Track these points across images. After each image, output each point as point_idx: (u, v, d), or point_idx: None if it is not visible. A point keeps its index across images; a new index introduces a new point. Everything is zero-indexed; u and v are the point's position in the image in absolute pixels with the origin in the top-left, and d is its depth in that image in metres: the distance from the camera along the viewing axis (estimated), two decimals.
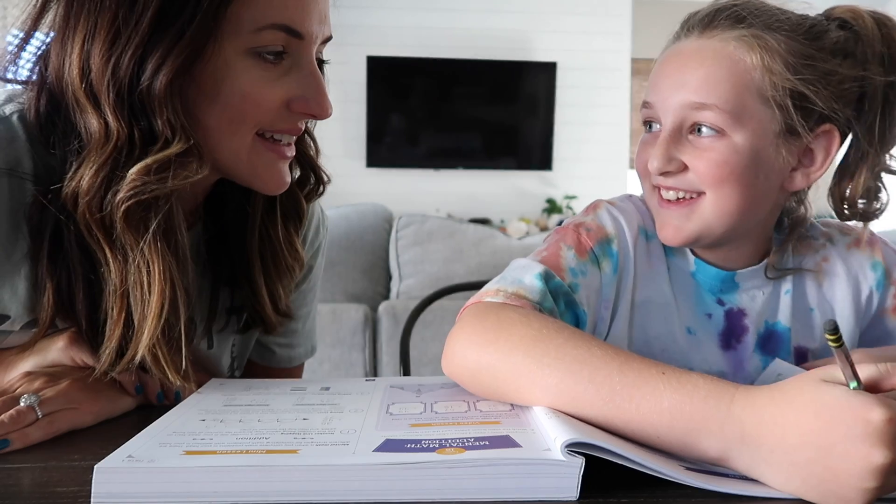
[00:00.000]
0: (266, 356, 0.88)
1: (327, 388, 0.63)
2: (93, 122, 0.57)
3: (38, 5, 0.60)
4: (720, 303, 0.74)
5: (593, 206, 0.76)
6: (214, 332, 0.77)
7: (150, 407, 0.66)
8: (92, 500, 0.40)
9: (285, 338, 0.88)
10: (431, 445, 0.45)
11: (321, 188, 0.79)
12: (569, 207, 4.77)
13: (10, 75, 0.64)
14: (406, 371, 1.20)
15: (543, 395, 0.52)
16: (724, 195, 0.67)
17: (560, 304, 0.66)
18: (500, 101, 4.87)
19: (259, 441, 0.46)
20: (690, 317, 0.74)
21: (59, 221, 0.59)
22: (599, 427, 0.49)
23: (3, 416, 0.53)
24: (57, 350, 0.64)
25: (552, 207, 4.82)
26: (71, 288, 0.61)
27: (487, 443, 0.45)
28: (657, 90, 0.70)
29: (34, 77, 0.62)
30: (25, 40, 0.61)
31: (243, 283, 0.74)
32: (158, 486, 0.41)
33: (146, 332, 0.59)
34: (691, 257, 0.74)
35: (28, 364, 0.64)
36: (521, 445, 0.44)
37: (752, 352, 0.74)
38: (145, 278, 0.58)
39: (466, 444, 0.45)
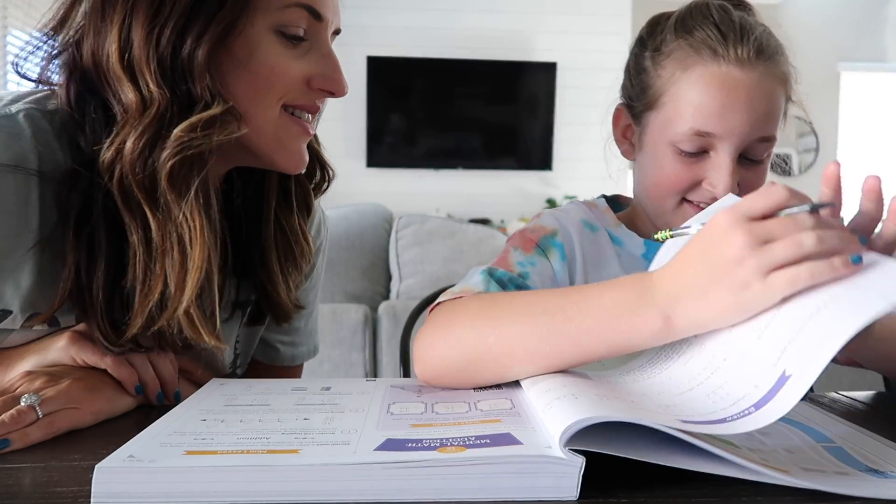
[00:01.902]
0: (270, 354, 0.90)
1: (328, 388, 0.63)
2: (129, 94, 0.60)
3: (68, 4, 0.64)
4: None
5: (536, 216, 0.84)
6: (220, 322, 0.77)
7: (150, 407, 0.66)
8: (92, 500, 0.40)
9: (289, 335, 0.90)
10: (432, 444, 0.45)
11: (327, 182, 0.83)
12: None
13: (31, 74, 0.67)
14: (406, 371, 1.20)
15: (510, 340, 0.57)
16: None
17: (510, 289, 0.71)
18: (500, 101, 4.87)
19: (260, 441, 0.46)
20: None
21: (86, 197, 0.62)
22: (561, 358, 0.54)
23: (3, 415, 0.53)
24: (57, 349, 0.64)
25: (552, 207, 4.83)
26: (92, 260, 0.63)
27: (488, 441, 0.45)
28: (725, 123, 0.72)
29: (60, 66, 0.65)
30: (56, 32, 0.64)
31: (259, 271, 0.77)
32: (159, 486, 0.41)
33: (188, 285, 0.62)
34: (639, 240, 0.81)
35: (29, 363, 0.64)
36: (522, 443, 0.44)
37: None
38: (187, 234, 0.62)
39: (467, 442, 0.45)
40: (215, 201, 0.66)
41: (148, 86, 0.60)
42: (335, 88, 0.70)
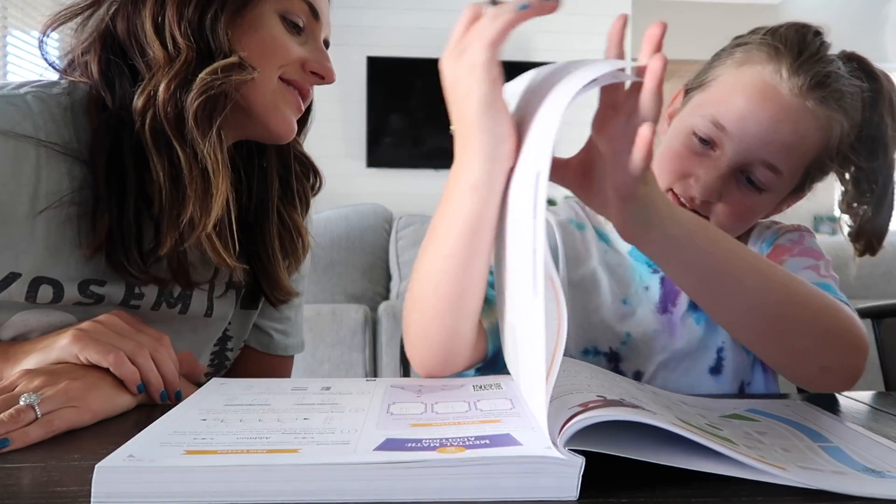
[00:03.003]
0: (264, 340, 0.96)
1: (328, 388, 0.63)
2: (156, 51, 0.71)
3: None
4: (656, 271, 0.82)
5: None
6: (215, 297, 0.85)
7: (150, 406, 0.66)
8: (92, 500, 0.40)
9: (281, 324, 0.97)
10: (432, 444, 0.45)
11: (318, 186, 0.94)
12: None
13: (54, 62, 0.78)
14: (406, 371, 1.19)
15: (427, 280, 0.60)
16: (731, 226, 0.74)
17: None
18: None
19: (260, 441, 0.46)
20: (627, 290, 0.81)
21: (114, 145, 0.72)
22: (456, 258, 0.56)
23: (2, 415, 0.53)
24: (60, 348, 0.64)
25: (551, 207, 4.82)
26: (123, 198, 0.72)
27: (488, 441, 0.45)
28: (742, 126, 0.71)
29: (92, 37, 0.74)
30: (96, 6, 0.74)
31: (261, 256, 0.86)
32: (159, 486, 0.41)
33: (213, 211, 0.72)
34: None
35: (32, 361, 0.64)
36: (522, 443, 0.44)
37: (686, 311, 0.81)
38: (210, 165, 0.72)
39: (467, 442, 0.45)
40: (226, 149, 0.75)
41: (175, 42, 0.71)
42: (324, 73, 0.81)
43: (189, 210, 0.72)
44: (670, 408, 0.56)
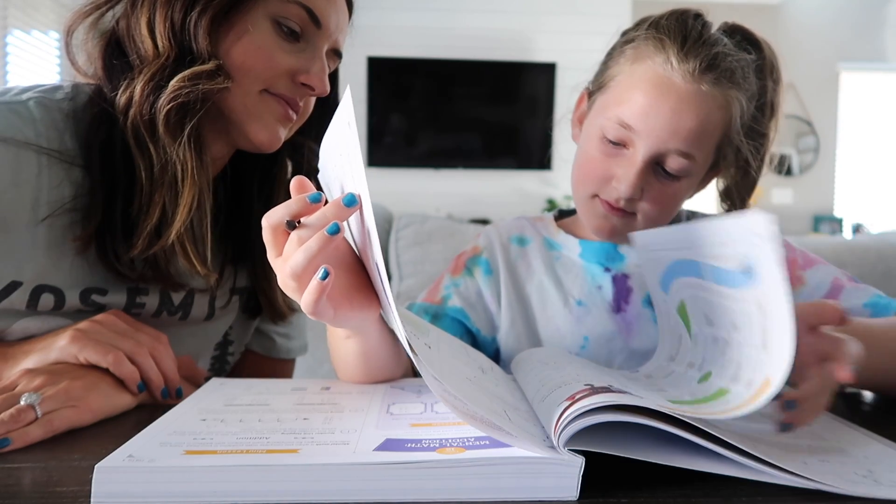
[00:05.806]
0: (266, 344, 0.96)
1: (328, 388, 0.63)
2: (148, 47, 0.70)
3: None
4: (607, 270, 0.84)
5: (477, 234, 0.92)
6: (218, 307, 0.84)
7: (151, 406, 0.66)
8: (92, 500, 0.40)
9: (284, 327, 0.97)
10: (432, 445, 0.45)
11: None
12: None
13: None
14: None
15: (342, 368, 0.67)
16: (658, 216, 0.77)
17: (425, 318, 0.81)
18: (500, 101, 4.87)
19: (259, 441, 0.46)
20: (580, 292, 0.83)
21: (107, 140, 0.71)
22: None
23: (2, 414, 0.53)
24: (59, 348, 0.64)
25: (552, 207, 4.82)
26: (113, 195, 0.71)
27: (488, 442, 0.45)
28: (646, 122, 0.72)
29: (98, 38, 0.74)
30: (104, 4, 0.73)
31: (258, 270, 0.86)
32: (159, 486, 0.41)
33: (178, 217, 0.71)
34: (574, 241, 0.86)
35: (31, 361, 0.64)
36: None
37: (642, 309, 0.82)
38: (179, 172, 0.71)
39: (467, 443, 0.45)
40: (208, 158, 0.74)
41: (159, 42, 0.70)
42: (317, 84, 0.76)
43: (156, 214, 0.70)
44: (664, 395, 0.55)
